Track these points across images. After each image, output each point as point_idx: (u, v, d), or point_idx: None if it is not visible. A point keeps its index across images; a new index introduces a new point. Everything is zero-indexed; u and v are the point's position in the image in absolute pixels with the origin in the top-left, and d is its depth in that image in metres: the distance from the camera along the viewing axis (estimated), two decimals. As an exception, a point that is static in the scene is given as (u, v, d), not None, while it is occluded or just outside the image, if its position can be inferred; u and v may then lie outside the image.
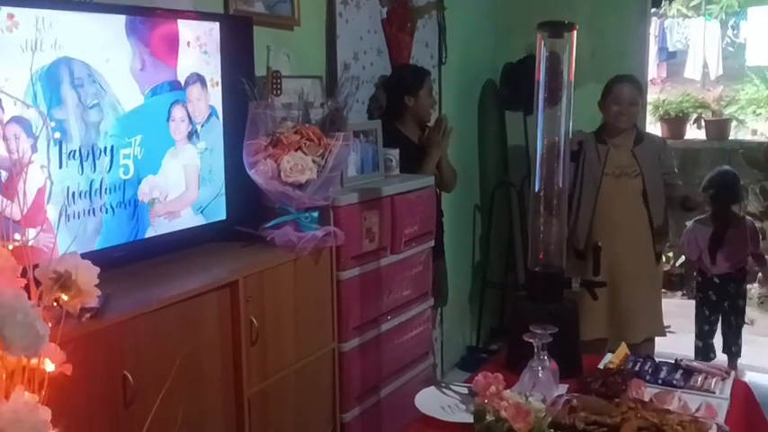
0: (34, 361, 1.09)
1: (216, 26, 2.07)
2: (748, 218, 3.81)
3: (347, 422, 2.35)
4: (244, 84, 2.02)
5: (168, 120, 1.94)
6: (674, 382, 1.82)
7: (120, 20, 1.78)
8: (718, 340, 3.76)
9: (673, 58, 6.70)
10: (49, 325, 1.10)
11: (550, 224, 1.98)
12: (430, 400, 1.73)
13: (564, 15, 2.06)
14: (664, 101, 5.82)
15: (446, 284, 3.35)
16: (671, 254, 5.07)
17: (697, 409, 1.62)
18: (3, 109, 1.48)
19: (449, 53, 3.66)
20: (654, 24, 5.99)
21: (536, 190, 2.01)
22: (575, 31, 1.94)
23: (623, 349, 2.00)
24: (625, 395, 1.64)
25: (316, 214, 2.18)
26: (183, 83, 1.97)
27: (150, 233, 1.92)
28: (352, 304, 2.35)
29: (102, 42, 1.73)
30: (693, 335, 3.79)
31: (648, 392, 1.70)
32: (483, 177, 4.21)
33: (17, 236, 1.18)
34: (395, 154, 2.72)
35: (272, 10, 2.52)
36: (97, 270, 1.25)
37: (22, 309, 0.99)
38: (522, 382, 1.65)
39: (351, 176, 2.49)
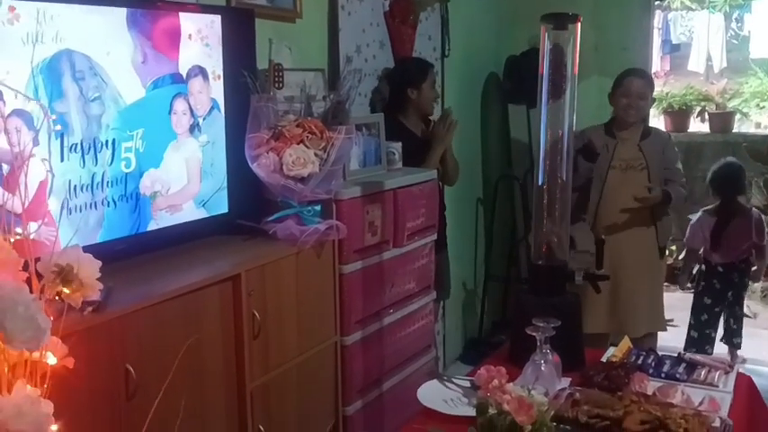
0: (36, 354, 1.09)
1: (217, 19, 2.06)
2: (754, 209, 3.80)
3: (349, 415, 2.35)
4: (246, 76, 2.02)
5: (170, 113, 1.93)
6: (678, 375, 1.82)
7: (121, 12, 1.77)
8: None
9: (676, 51, 6.67)
10: (51, 318, 1.10)
11: (553, 217, 1.98)
12: (432, 394, 1.73)
13: (567, 8, 2.05)
14: (667, 94, 5.79)
15: (448, 278, 3.35)
16: (674, 247, 5.06)
17: (700, 403, 1.62)
18: (4, 102, 1.47)
19: (452, 46, 3.65)
20: (657, 17, 5.96)
21: (539, 183, 2.00)
22: (578, 23, 1.92)
23: (626, 343, 1.99)
24: (628, 389, 1.64)
25: (318, 208, 2.18)
26: (184, 76, 1.96)
27: (152, 226, 1.92)
28: (354, 298, 2.34)
29: (104, 35, 1.72)
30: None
31: (651, 386, 1.70)
32: (486, 171, 4.20)
33: (18, 229, 1.17)
34: (397, 147, 2.72)
35: (273, 2, 2.51)
36: (99, 263, 1.24)
37: (23, 302, 0.99)
38: (524, 376, 1.64)
39: (353, 170, 2.49)
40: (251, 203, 2.17)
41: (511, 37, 4.03)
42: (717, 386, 1.76)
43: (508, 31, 4.10)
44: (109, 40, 1.74)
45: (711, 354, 3.62)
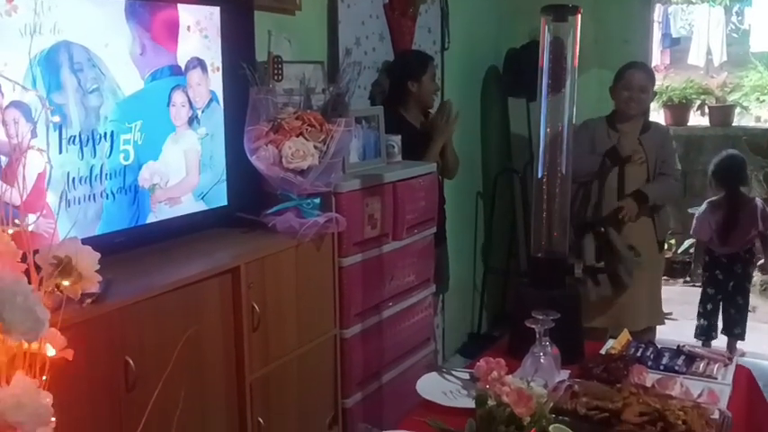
0: (35, 345, 1.09)
1: (216, 10, 2.05)
2: (757, 198, 3.81)
3: (349, 408, 2.35)
4: (245, 69, 2.01)
5: (168, 105, 1.93)
6: (676, 367, 1.82)
7: (119, 3, 1.76)
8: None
9: (676, 45, 6.64)
10: (49, 311, 1.10)
11: (553, 210, 1.97)
12: (431, 386, 1.74)
13: (567, 1, 2.04)
14: (667, 87, 5.78)
15: (448, 271, 3.35)
16: (673, 241, 5.06)
17: (699, 395, 1.62)
18: (2, 94, 1.47)
19: (451, 39, 3.64)
20: (657, 10, 5.94)
21: (539, 176, 2.00)
22: (579, 15, 1.92)
23: (625, 335, 1.99)
24: (627, 381, 1.64)
25: (317, 200, 2.18)
26: (183, 67, 1.96)
27: (151, 219, 1.91)
28: (353, 291, 2.34)
29: (102, 26, 1.72)
30: (695, 322, 3.81)
31: (650, 378, 1.70)
32: (485, 164, 4.19)
33: (17, 221, 1.17)
34: (397, 140, 2.71)
35: (272, -6, 2.50)
36: (98, 255, 1.24)
37: (22, 292, 0.99)
38: (523, 368, 1.65)
39: (353, 163, 2.48)
40: (250, 196, 2.16)
41: (511, 30, 4.02)
42: (716, 378, 1.76)
43: (508, 24, 4.09)
44: (107, 32, 1.73)
45: (716, 338, 3.67)
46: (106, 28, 1.73)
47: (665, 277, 3.62)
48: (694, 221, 3.78)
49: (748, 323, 3.83)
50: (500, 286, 4.21)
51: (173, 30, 1.92)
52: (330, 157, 2.09)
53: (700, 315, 3.80)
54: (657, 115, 5.55)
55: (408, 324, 2.67)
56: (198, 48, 2.00)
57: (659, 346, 1.96)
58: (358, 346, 2.39)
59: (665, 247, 3.49)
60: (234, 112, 2.10)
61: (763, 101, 5.71)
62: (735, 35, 6.19)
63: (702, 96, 5.81)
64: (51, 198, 1.58)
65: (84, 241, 1.26)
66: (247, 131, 2.06)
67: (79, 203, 1.69)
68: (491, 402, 1.41)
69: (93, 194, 1.73)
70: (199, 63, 2.00)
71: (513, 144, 4.25)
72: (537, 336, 1.66)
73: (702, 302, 3.79)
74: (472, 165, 4.00)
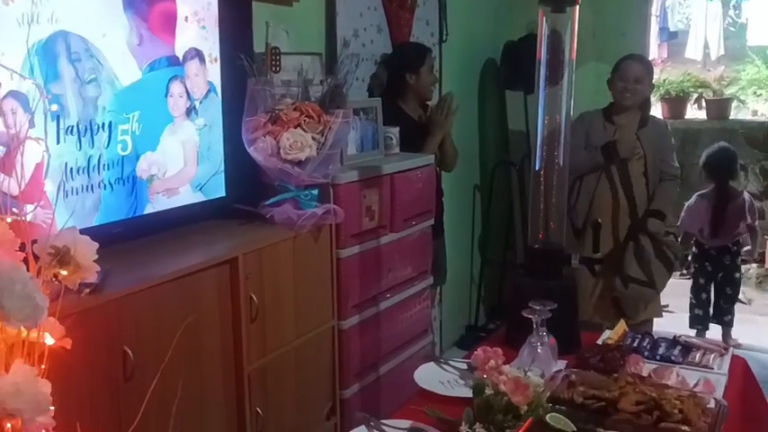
0: (34, 334, 1.09)
1: (214, 1, 2.05)
2: (746, 192, 3.85)
3: (346, 398, 2.36)
4: (242, 60, 2.01)
5: (166, 95, 1.92)
6: (673, 357, 1.83)
7: (116, -7, 1.76)
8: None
9: (674, 39, 6.64)
10: (48, 299, 1.10)
11: (550, 202, 1.98)
12: (429, 376, 1.74)
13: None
14: (664, 81, 5.78)
15: (445, 263, 3.36)
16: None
17: (695, 385, 1.63)
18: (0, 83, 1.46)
19: (449, 31, 3.63)
20: (655, 4, 5.93)
21: (537, 169, 2.00)
22: (576, 6, 1.92)
23: (621, 326, 2.00)
24: (623, 370, 1.65)
25: (315, 192, 2.18)
26: (180, 58, 1.95)
27: (149, 210, 1.91)
28: (351, 282, 2.35)
29: (99, 16, 1.71)
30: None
31: (647, 368, 1.71)
32: (483, 156, 4.20)
33: (15, 210, 1.17)
34: (395, 132, 2.71)
35: (270, -15, 2.49)
36: (96, 245, 1.24)
37: (20, 280, 0.99)
38: (521, 358, 1.66)
39: (350, 154, 2.48)
40: (248, 187, 2.16)
41: (509, 22, 4.01)
42: (712, 368, 1.77)
43: (506, 17, 4.09)
44: (105, 22, 1.72)
45: (709, 328, 3.71)
46: (104, 18, 1.72)
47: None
48: (683, 213, 3.81)
49: (745, 315, 3.88)
50: (497, 279, 4.22)
51: (170, 20, 1.91)
52: (328, 148, 2.09)
53: (693, 306, 3.86)
54: (655, 109, 5.55)
55: (406, 316, 2.68)
56: (196, 38, 1.99)
57: (656, 337, 1.97)
58: (355, 337, 2.39)
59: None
60: (232, 103, 2.10)
61: (760, 94, 5.72)
62: (732, 29, 6.19)
63: (699, 90, 5.81)
64: (49, 188, 1.58)
65: (82, 232, 1.25)
66: (245, 122, 2.06)
67: (77, 194, 1.69)
68: (488, 391, 1.42)
69: (91, 185, 1.73)
70: (197, 54, 2.00)
71: (510, 136, 4.26)
72: (534, 326, 1.67)
73: (695, 293, 3.85)
74: (470, 157, 4.00)
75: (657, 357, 1.84)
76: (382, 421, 1.51)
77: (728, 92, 5.79)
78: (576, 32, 1.93)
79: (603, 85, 3.23)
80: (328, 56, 2.77)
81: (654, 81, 3.32)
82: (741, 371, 1.84)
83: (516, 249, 4.17)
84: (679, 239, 3.73)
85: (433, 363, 1.83)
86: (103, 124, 1.75)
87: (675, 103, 5.74)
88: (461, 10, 3.75)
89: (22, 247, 1.15)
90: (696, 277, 3.86)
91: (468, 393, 1.51)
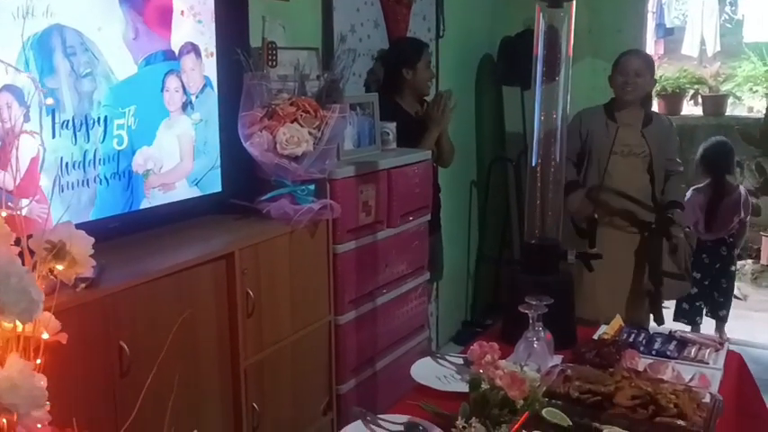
0: (29, 328, 1.09)
1: (210, -5, 2.04)
2: (741, 187, 3.85)
3: (343, 394, 2.37)
4: (239, 54, 2.00)
5: (162, 90, 1.92)
6: (668, 352, 1.83)
7: (112, -13, 1.75)
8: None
9: (670, 35, 6.65)
10: (43, 294, 1.10)
11: (547, 197, 1.98)
12: (425, 371, 1.74)
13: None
14: (661, 77, 5.78)
15: (442, 259, 3.36)
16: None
17: (690, 379, 1.63)
18: (-6, 77, 1.46)
19: (446, 26, 3.62)
20: (651, 0, 5.93)
21: (533, 164, 2.00)
22: (573, 2, 1.91)
23: (617, 321, 2.01)
24: (619, 365, 1.65)
25: (312, 187, 2.17)
26: (176, 53, 1.95)
27: (145, 205, 1.91)
28: (348, 277, 2.35)
29: (95, 10, 1.70)
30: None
31: (642, 363, 1.71)
32: (480, 152, 4.20)
33: (10, 205, 1.17)
34: (392, 127, 2.71)
35: (266, -20, 2.48)
36: (92, 240, 1.24)
37: (16, 273, 0.99)
38: (517, 353, 1.66)
39: (347, 150, 2.48)
40: (244, 182, 2.16)
41: (506, 18, 4.01)
42: (707, 363, 1.78)
43: (503, 12, 4.08)
44: (100, 16, 1.72)
45: (701, 323, 3.72)
46: (99, 12, 1.71)
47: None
48: None
49: (740, 311, 3.87)
50: (493, 274, 4.22)
51: (166, 14, 1.91)
52: (324, 143, 2.09)
53: (682, 299, 3.82)
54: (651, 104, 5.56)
55: (402, 311, 2.68)
56: (192, 33, 1.99)
57: (651, 332, 1.98)
58: (352, 332, 2.40)
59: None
60: (228, 97, 2.09)
61: (756, 91, 5.73)
62: (728, 25, 6.20)
63: (696, 86, 5.83)
64: (45, 183, 1.57)
65: (78, 227, 1.25)
66: (241, 117, 2.05)
67: (72, 188, 1.69)
68: (485, 386, 1.42)
69: (87, 179, 1.72)
70: (193, 48, 1.99)
71: (507, 132, 4.26)
72: (530, 321, 1.67)
73: None
74: (466, 153, 4.00)
75: (653, 352, 1.84)
76: (379, 416, 1.52)
77: (724, 88, 5.80)
78: (572, 28, 1.93)
79: (600, 82, 3.22)
80: (325, 51, 2.76)
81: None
82: (736, 366, 1.85)
83: (513, 245, 4.17)
84: None
85: (429, 358, 1.83)
86: (99, 119, 1.74)
87: (672, 99, 5.75)
88: (458, 5, 3.75)
89: (18, 242, 1.15)
90: (691, 270, 3.87)
91: (464, 388, 1.51)
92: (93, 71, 1.71)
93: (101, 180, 1.76)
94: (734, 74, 5.83)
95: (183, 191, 2.02)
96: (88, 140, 1.72)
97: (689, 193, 3.78)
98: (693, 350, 1.84)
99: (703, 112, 5.70)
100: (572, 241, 2.71)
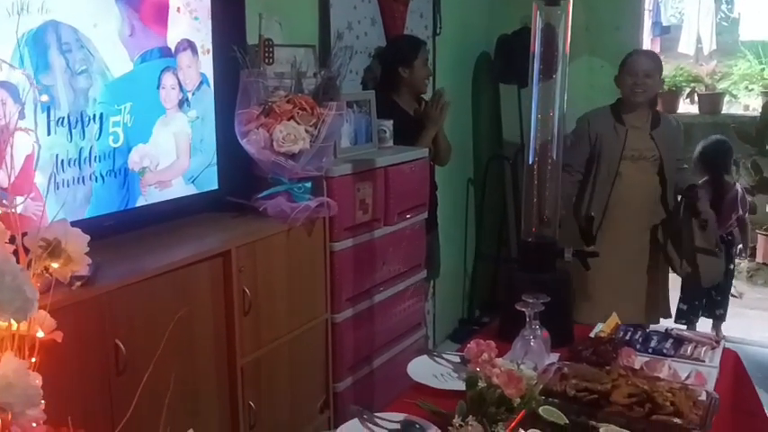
0: (24, 327, 1.08)
1: (206, -8, 2.03)
2: (738, 184, 3.85)
3: (340, 392, 2.36)
4: (235, 51, 1.99)
5: (158, 87, 1.91)
6: (665, 350, 1.84)
7: (107, -16, 1.74)
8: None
9: (667, 33, 6.65)
10: (38, 292, 1.09)
11: (544, 195, 1.98)
12: (422, 369, 1.74)
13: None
14: (658, 75, 5.79)
15: (439, 257, 3.36)
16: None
17: (687, 377, 1.64)
18: (-11, 74, 1.45)
19: (443, 24, 3.62)
20: (648, -1, 5.94)
21: (530, 162, 2.00)
22: (570, 0, 1.91)
23: (614, 319, 2.01)
24: (616, 363, 1.65)
25: (309, 185, 2.17)
26: (173, 49, 1.94)
27: (141, 202, 1.90)
28: (345, 275, 2.35)
29: (90, 7, 1.70)
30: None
31: (639, 361, 1.72)
32: (477, 150, 4.20)
33: (4, 202, 1.16)
34: (388, 125, 2.70)
35: (263, -23, 2.47)
36: (87, 238, 1.23)
37: (10, 272, 0.98)
38: (514, 351, 1.66)
39: (344, 147, 2.48)
40: (241, 180, 2.15)
41: (503, 16, 4.00)
42: (703, 361, 1.78)
43: (500, 10, 4.08)
44: (96, 12, 1.71)
45: (697, 322, 3.72)
46: (95, 8, 1.70)
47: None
48: None
49: (735, 309, 3.87)
50: (490, 272, 4.23)
51: (162, 11, 1.90)
52: (321, 141, 2.08)
53: (680, 300, 3.83)
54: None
55: (399, 309, 2.68)
56: (188, 30, 1.98)
57: (648, 330, 1.98)
58: (349, 330, 2.39)
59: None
60: (224, 95, 2.08)
61: (752, 89, 5.74)
62: (724, 24, 6.20)
63: (692, 84, 5.83)
64: (40, 180, 1.57)
65: (74, 225, 1.25)
66: (238, 115, 2.05)
67: (68, 186, 1.68)
68: (481, 384, 1.42)
69: (83, 177, 1.72)
70: (189, 45, 1.99)
71: (504, 130, 4.25)
72: (527, 319, 1.67)
73: (683, 286, 3.83)
74: (463, 151, 4.00)
75: (649, 350, 1.84)
76: (376, 414, 1.51)
77: (721, 86, 5.81)
78: (569, 26, 1.93)
79: (597, 80, 3.23)
80: (322, 48, 2.76)
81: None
82: (732, 363, 1.85)
83: (510, 243, 4.17)
84: None
85: (426, 356, 1.83)
86: (95, 116, 1.73)
87: (668, 97, 5.75)
88: (455, 3, 3.74)
89: (13, 240, 1.15)
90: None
91: (461, 386, 1.51)
92: (88, 68, 1.70)
93: (96, 177, 1.76)
94: (730, 72, 5.84)
95: (179, 188, 2.02)
96: (84, 138, 1.71)
97: None
98: (690, 348, 1.85)
99: (699, 110, 5.71)
100: (572, 240, 2.70)
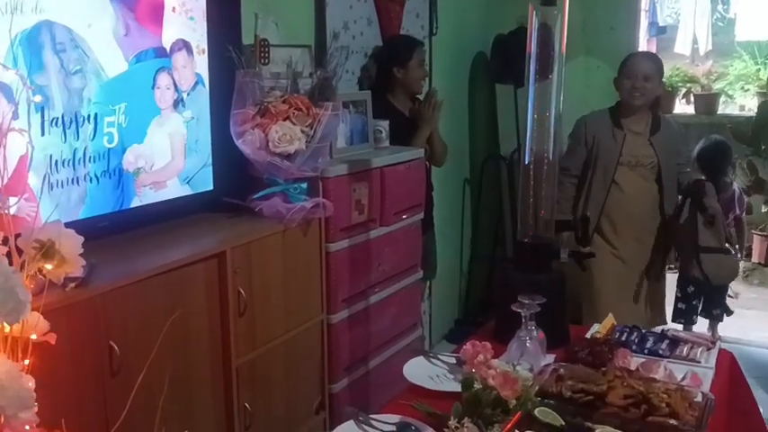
0: (17, 328, 1.08)
1: (202, -8, 2.02)
2: (735, 184, 3.85)
3: (335, 393, 2.36)
4: (231, 51, 1.99)
5: (153, 87, 1.90)
6: (660, 351, 1.84)
7: (102, -17, 1.73)
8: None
9: (663, 33, 6.66)
10: (31, 294, 1.08)
11: (540, 196, 1.98)
12: (418, 370, 1.74)
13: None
14: (654, 75, 5.80)
15: (435, 257, 3.36)
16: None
17: (683, 378, 1.64)
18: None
19: (440, 24, 3.62)
20: (644, -1, 5.95)
21: (526, 162, 2.00)
22: (567, 0, 1.91)
23: (610, 320, 2.01)
24: (611, 364, 1.65)
25: (304, 185, 2.16)
26: (168, 49, 1.93)
27: (136, 203, 1.89)
28: (340, 276, 2.34)
29: (85, 6, 1.69)
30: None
31: (635, 362, 1.71)
32: (473, 150, 4.19)
33: (-2, 202, 1.15)
34: (384, 125, 2.70)
35: (259, -23, 2.46)
36: (81, 239, 1.23)
37: (2, 273, 0.97)
38: (509, 352, 1.65)
39: (340, 147, 2.47)
40: (236, 181, 2.15)
41: (499, 15, 4.01)
42: (699, 362, 1.78)
43: (496, 10, 4.08)
44: (90, 12, 1.70)
45: (696, 322, 3.73)
46: (89, 8, 1.70)
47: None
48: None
49: (731, 309, 3.87)
50: (486, 273, 4.23)
51: (157, 11, 1.89)
52: (317, 141, 2.08)
53: (678, 299, 3.82)
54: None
55: (395, 310, 2.68)
56: (183, 29, 1.97)
57: (644, 331, 1.98)
58: (345, 331, 2.39)
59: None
60: (220, 95, 2.08)
61: (748, 90, 5.75)
62: (720, 24, 6.22)
63: (688, 84, 5.84)
64: (33, 181, 1.55)
65: (68, 225, 1.24)
66: (233, 115, 2.04)
67: (62, 187, 1.67)
68: (477, 385, 1.42)
69: (77, 178, 1.71)
70: (184, 45, 1.98)
71: (500, 130, 4.26)
72: (523, 320, 1.66)
73: (682, 285, 3.83)
74: (459, 151, 4.00)
75: (645, 351, 1.84)
76: (371, 416, 1.51)
77: (716, 87, 5.82)
78: (565, 26, 1.93)
79: (593, 80, 3.23)
80: (318, 48, 2.75)
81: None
82: (728, 364, 1.85)
83: (506, 243, 4.17)
84: None
85: (422, 357, 1.83)
86: (89, 116, 1.72)
87: (664, 97, 5.76)
88: (451, 3, 3.74)
89: (5, 241, 1.14)
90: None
91: (456, 388, 1.51)
92: (83, 68, 1.69)
93: (91, 178, 1.75)
94: (726, 72, 5.85)
95: (174, 189, 2.01)
96: (78, 138, 1.70)
97: None
98: (685, 349, 1.84)
99: (695, 110, 5.72)
100: (569, 239, 2.70)
